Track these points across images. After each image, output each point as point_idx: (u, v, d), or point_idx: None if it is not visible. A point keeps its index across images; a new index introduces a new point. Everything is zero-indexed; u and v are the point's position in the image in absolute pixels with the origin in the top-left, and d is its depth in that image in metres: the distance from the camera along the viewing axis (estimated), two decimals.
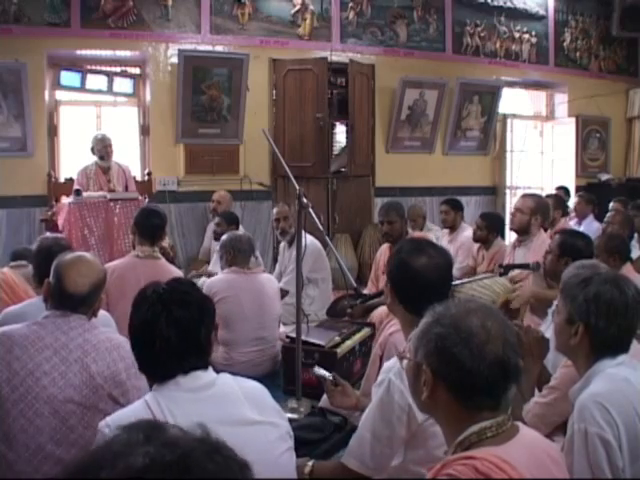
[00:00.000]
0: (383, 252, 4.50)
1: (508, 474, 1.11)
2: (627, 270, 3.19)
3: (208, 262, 5.61)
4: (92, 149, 5.44)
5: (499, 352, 1.24)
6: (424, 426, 1.79)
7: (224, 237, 4.05)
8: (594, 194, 7.81)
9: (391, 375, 1.81)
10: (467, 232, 5.22)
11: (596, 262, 2.62)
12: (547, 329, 2.32)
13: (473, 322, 1.26)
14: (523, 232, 4.11)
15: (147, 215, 3.67)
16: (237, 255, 3.91)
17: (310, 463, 1.93)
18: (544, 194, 5.76)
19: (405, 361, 1.39)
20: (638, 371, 1.69)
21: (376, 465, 1.84)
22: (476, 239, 4.89)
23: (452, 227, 5.41)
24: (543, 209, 4.20)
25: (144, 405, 1.54)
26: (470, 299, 1.47)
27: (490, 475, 1.10)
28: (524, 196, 4.29)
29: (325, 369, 2.61)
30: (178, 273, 3.77)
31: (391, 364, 1.88)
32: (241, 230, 4.95)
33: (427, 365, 1.27)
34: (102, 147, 5.40)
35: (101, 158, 5.43)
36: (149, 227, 3.61)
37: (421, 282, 1.93)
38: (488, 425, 1.22)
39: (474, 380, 1.22)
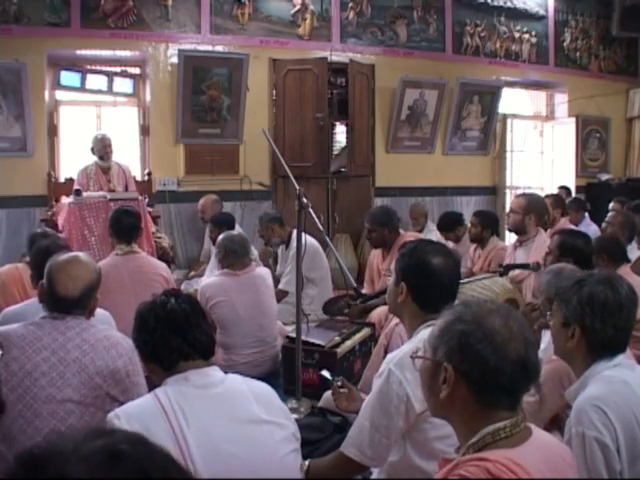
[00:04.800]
0: (376, 255, 4.49)
1: (520, 477, 1.11)
2: (624, 272, 3.17)
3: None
4: (92, 149, 5.45)
5: (521, 351, 1.23)
6: (423, 417, 1.79)
7: (219, 237, 4.00)
8: (594, 194, 7.85)
9: (391, 365, 1.82)
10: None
11: (562, 265, 2.65)
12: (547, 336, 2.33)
13: (496, 320, 1.25)
14: (521, 232, 4.10)
15: (120, 216, 3.79)
16: (229, 255, 3.85)
17: (306, 462, 1.94)
18: (544, 194, 5.74)
19: (419, 361, 1.37)
20: (636, 372, 1.69)
21: (374, 454, 1.84)
22: (472, 238, 4.86)
23: (458, 240, 5.36)
24: (536, 207, 4.16)
25: (154, 398, 1.55)
26: (489, 300, 1.46)
27: (502, 477, 1.10)
28: (517, 196, 4.27)
29: (325, 369, 2.61)
30: (160, 264, 3.82)
31: (393, 355, 1.89)
32: (237, 229, 4.93)
33: (449, 362, 1.25)
34: (102, 147, 5.41)
35: (101, 158, 5.44)
36: (123, 227, 3.73)
37: (438, 280, 1.95)
38: (502, 426, 1.22)
39: (497, 378, 1.22)
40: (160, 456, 0.74)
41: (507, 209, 7.56)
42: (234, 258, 3.85)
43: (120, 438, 0.73)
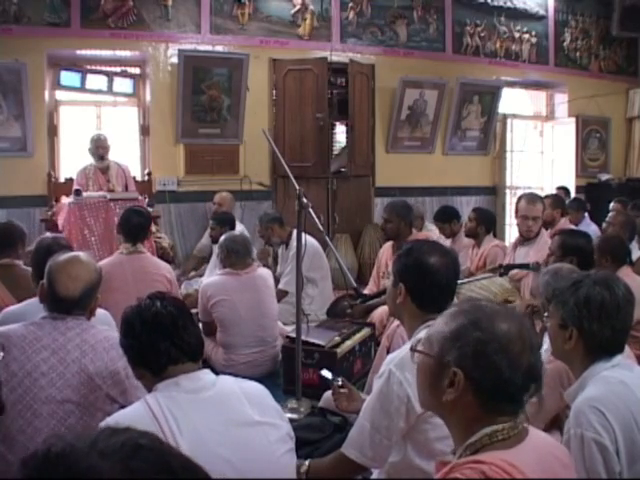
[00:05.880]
0: (385, 250, 4.49)
1: (514, 477, 1.10)
2: (625, 272, 3.17)
3: (204, 258, 5.62)
4: (89, 150, 5.46)
5: (531, 360, 1.22)
6: (423, 417, 1.79)
7: (222, 237, 4.02)
8: (594, 194, 7.84)
9: (392, 366, 1.82)
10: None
11: (560, 265, 2.65)
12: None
13: (511, 330, 1.23)
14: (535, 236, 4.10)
15: (129, 215, 3.81)
16: (231, 255, 3.86)
17: (306, 462, 1.94)
18: (544, 194, 5.74)
19: (419, 356, 1.33)
20: (634, 373, 1.69)
21: (375, 455, 1.84)
22: (466, 232, 4.90)
23: (453, 235, 5.37)
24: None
25: (144, 406, 1.53)
26: (502, 305, 1.42)
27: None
28: (532, 202, 4.12)
29: (325, 369, 2.61)
30: (164, 265, 3.83)
31: (393, 356, 1.89)
32: (239, 229, 4.94)
33: (459, 368, 1.22)
34: (95, 147, 5.42)
35: (100, 158, 5.44)
36: (131, 227, 3.76)
37: (436, 280, 1.95)
38: (500, 428, 1.20)
39: (508, 388, 1.21)
40: (175, 450, 0.76)
41: (508, 209, 7.67)
42: (236, 258, 3.86)
43: (137, 434, 0.74)
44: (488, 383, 1.21)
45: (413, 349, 1.36)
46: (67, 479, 0.66)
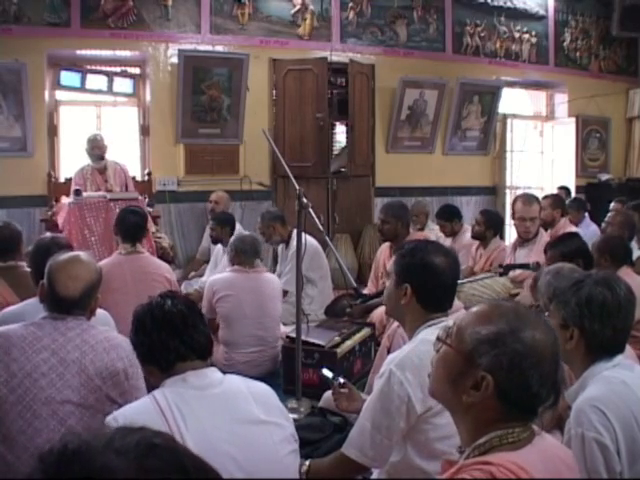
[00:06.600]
0: (383, 251, 4.49)
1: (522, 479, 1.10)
2: (625, 272, 3.16)
3: (206, 261, 5.62)
4: (86, 151, 5.45)
5: (557, 377, 1.23)
6: (424, 417, 1.79)
7: (232, 237, 4.11)
8: (594, 194, 7.84)
9: (392, 366, 1.82)
10: (468, 233, 5.19)
11: (561, 265, 2.66)
12: None
13: (547, 345, 1.22)
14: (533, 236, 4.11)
15: (126, 215, 3.80)
16: (239, 254, 3.94)
17: (307, 462, 1.94)
18: (544, 194, 5.74)
19: (443, 346, 1.29)
20: (635, 373, 1.69)
21: (375, 455, 1.84)
22: (473, 235, 4.86)
23: (453, 234, 5.37)
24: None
25: (152, 401, 1.55)
26: (537, 313, 1.37)
27: None
28: (528, 203, 4.15)
29: (326, 368, 2.61)
30: (164, 265, 3.83)
31: (394, 356, 1.89)
32: (239, 228, 4.97)
33: (490, 374, 1.20)
34: (91, 147, 5.39)
35: (100, 158, 5.42)
36: (128, 227, 3.74)
37: (442, 280, 1.95)
38: (511, 431, 1.20)
39: (533, 401, 1.21)
40: (189, 450, 0.77)
41: (508, 209, 7.67)
42: (244, 258, 3.94)
43: (151, 433, 0.75)
44: (515, 395, 1.20)
45: (441, 339, 1.31)
46: (83, 477, 0.67)
